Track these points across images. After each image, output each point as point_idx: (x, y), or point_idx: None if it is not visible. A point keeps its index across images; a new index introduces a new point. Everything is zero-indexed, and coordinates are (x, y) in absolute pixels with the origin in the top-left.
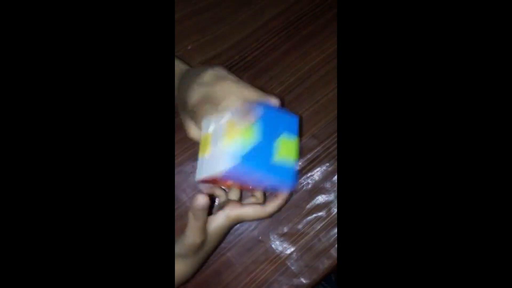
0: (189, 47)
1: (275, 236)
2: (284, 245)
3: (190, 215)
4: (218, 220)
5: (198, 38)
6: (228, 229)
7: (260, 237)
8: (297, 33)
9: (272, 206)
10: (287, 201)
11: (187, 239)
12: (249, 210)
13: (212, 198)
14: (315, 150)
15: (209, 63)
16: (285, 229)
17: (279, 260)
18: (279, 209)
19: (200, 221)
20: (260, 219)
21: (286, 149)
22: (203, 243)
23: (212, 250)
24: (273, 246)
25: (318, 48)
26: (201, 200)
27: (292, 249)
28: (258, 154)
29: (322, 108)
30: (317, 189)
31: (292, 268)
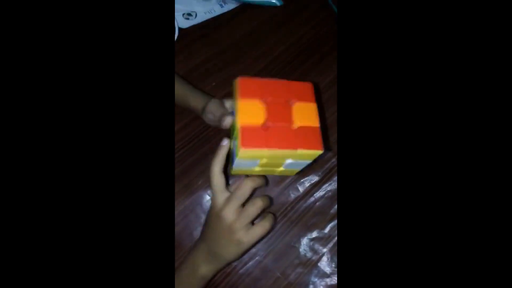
0: (213, 84)
1: (306, 241)
2: (315, 249)
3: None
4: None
5: (220, 75)
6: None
7: (292, 243)
8: (310, 57)
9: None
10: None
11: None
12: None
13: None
14: (331, 161)
15: (230, 96)
16: (314, 234)
17: (312, 263)
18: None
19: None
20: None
21: None
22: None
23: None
24: (305, 250)
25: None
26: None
27: (323, 252)
28: None
29: (334, 122)
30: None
31: (325, 269)
